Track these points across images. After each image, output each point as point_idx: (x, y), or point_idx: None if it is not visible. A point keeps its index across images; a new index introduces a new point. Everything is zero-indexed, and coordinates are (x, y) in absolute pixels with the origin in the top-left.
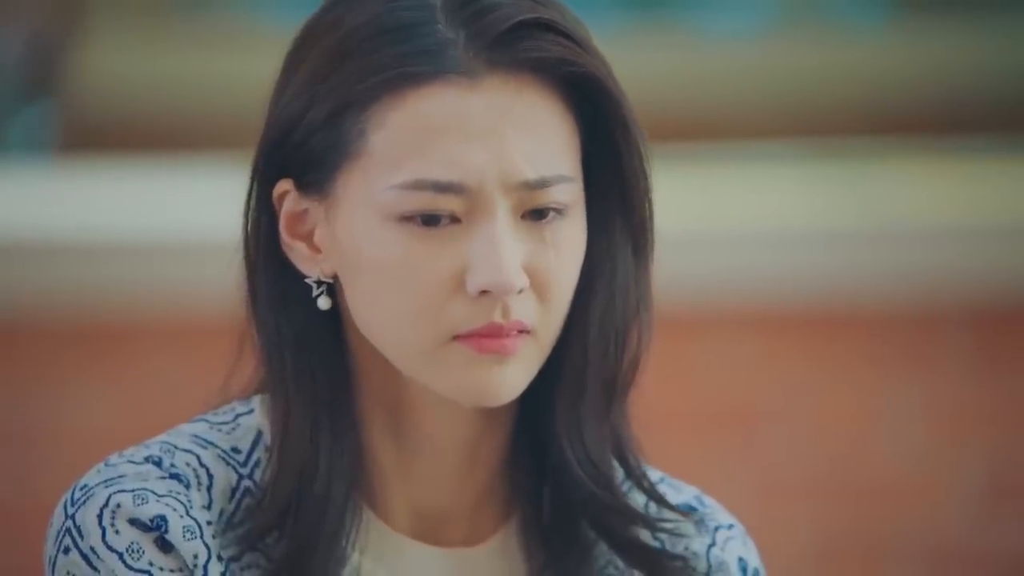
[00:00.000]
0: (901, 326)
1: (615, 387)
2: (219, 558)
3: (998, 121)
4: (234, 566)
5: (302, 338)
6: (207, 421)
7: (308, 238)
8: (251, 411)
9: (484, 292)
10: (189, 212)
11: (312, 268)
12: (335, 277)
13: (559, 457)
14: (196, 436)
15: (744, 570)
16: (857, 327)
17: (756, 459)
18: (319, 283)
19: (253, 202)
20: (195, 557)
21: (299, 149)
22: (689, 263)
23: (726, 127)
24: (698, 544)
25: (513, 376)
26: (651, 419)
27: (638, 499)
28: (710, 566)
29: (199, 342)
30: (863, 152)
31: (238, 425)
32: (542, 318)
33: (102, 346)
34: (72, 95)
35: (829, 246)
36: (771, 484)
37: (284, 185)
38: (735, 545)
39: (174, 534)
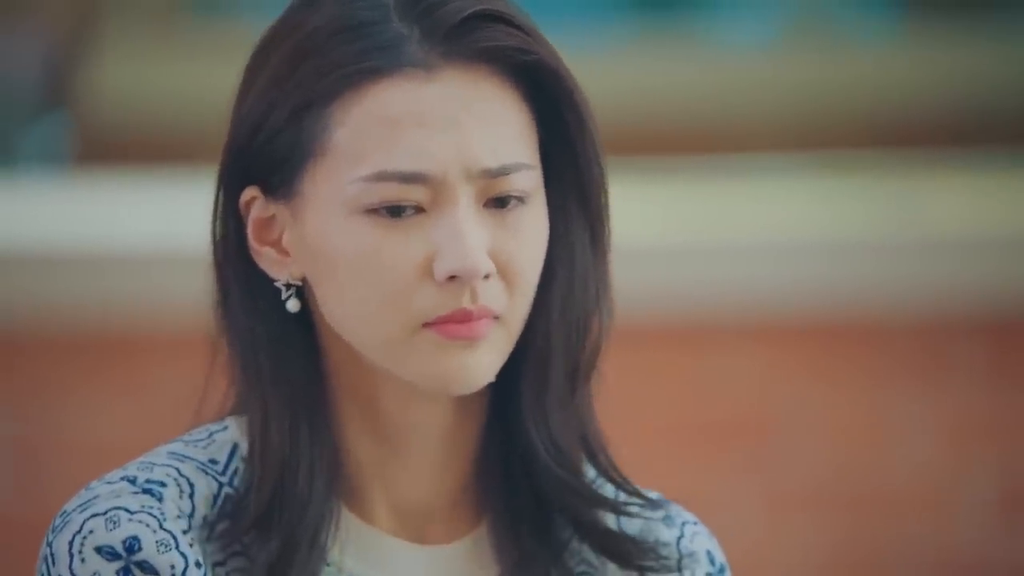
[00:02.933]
0: (909, 337)
1: (578, 373)
2: (197, 564)
3: (1007, 133)
4: (219, 570)
5: (276, 340)
6: (182, 440)
7: (276, 243)
8: (225, 428)
9: (452, 278)
10: (202, 224)
11: (281, 272)
12: (304, 280)
13: (526, 443)
14: (173, 453)
15: (712, 562)
16: (866, 339)
17: (764, 470)
18: (288, 286)
19: (220, 211)
20: (172, 568)
21: (263, 152)
22: (697, 274)
23: (736, 138)
24: (667, 535)
25: (483, 361)
26: (660, 430)
27: (608, 491)
28: (681, 555)
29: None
30: (872, 164)
31: (213, 441)
32: (509, 304)
33: (115, 357)
34: (86, 107)
35: (838, 258)
36: (779, 495)
37: (251, 192)
38: (702, 539)
39: (148, 551)
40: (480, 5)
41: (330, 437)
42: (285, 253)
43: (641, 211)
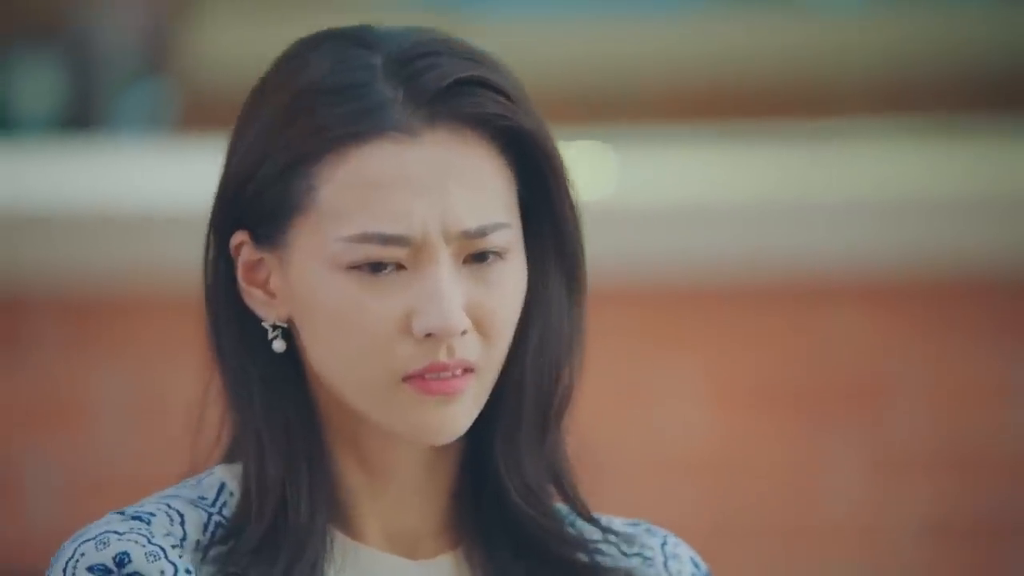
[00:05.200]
0: (1020, 297)
1: (549, 419)
2: (187, 572)
3: None
4: None
5: (267, 377)
6: (171, 488)
7: (264, 285)
8: (212, 474)
9: (429, 335)
10: None
11: (268, 312)
12: (290, 321)
13: (497, 485)
14: (163, 495)
15: (697, 567)
16: (975, 299)
17: (873, 433)
18: (275, 327)
19: (212, 252)
20: (162, 573)
21: (253, 203)
22: (800, 237)
23: (832, 100)
24: (651, 542)
25: (458, 415)
26: (767, 394)
27: (583, 528)
28: (666, 556)
29: None
30: (972, 124)
31: (201, 483)
32: (485, 355)
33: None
34: (188, 70)
35: (943, 219)
36: (889, 458)
37: (240, 236)
38: (684, 548)
39: (138, 563)
40: (466, 71)
41: (325, 466)
42: (272, 295)
43: (739, 174)
